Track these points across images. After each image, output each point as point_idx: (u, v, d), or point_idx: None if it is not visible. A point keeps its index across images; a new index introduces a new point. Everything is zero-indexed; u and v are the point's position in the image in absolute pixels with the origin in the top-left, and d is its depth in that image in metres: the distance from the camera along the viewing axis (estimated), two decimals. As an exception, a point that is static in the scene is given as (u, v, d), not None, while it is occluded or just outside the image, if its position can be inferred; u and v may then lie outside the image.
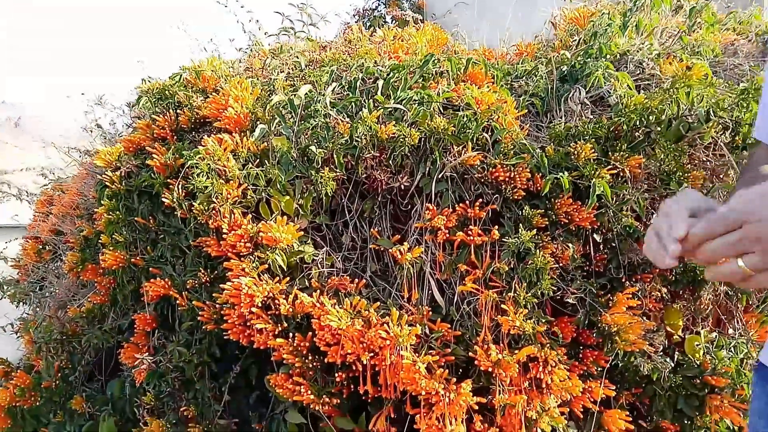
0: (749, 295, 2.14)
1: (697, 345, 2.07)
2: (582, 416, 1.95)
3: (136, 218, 2.25)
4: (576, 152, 1.96)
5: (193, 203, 2.00)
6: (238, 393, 2.34)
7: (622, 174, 1.98)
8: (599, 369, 2.04)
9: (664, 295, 2.16)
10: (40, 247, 3.61)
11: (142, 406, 2.20)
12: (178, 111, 2.50)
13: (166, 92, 2.61)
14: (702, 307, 2.03)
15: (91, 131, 4.00)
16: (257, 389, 2.30)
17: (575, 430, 1.93)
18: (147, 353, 2.37)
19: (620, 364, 2.05)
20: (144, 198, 2.31)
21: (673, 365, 1.99)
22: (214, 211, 1.98)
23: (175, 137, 2.45)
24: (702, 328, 2.11)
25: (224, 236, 1.98)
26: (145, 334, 2.43)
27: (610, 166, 1.93)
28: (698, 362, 2.00)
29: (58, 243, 3.42)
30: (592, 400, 1.92)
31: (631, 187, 1.95)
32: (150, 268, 2.22)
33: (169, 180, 2.21)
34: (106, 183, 2.31)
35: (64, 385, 2.54)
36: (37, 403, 2.56)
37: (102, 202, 2.29)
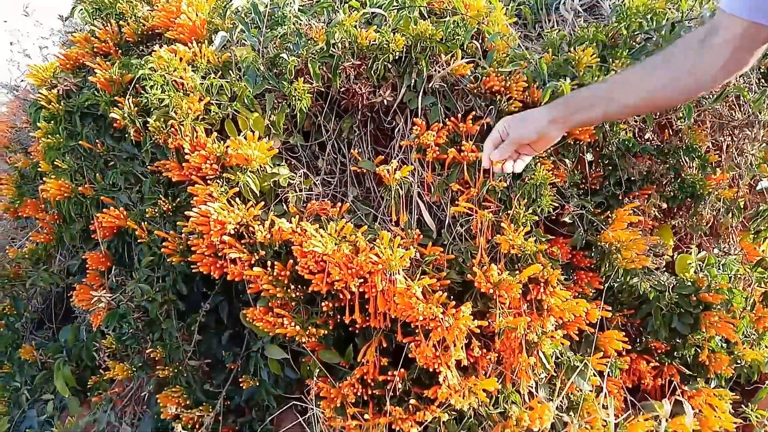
0: (741, 211, 2.09)
1: (689, 264, 2.02)
2: (577, 338, 1.88)
3: (80, 142, 1.96)
4: (576, 59, 1.79)
5: (148, 120, 1.73)
6: (209, 332, 2.16)
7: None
8: (594, 291, 1.96)
9: (657, 214, 2.09)
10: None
11: (102, 350, 1.99)
12: (121, 23, 2.17)
13: (105, 1, 2.26)
14: (701, 222, 1.96)
15: (18, 63, 3.55)
16: (229, 327, 2.12)
17: (571, 352, 1.85)
18: (104, 293, 2.14)
19: (615, 286, 1.97)
20: (88, 120, 2.02)
21: (669, 284, 1.93)
22: (173, 129, 1.73)
23: (120, 52, 2.14)
24: (695, 246, 2.06)
25: (186, 157, 1.73)
26: (99, 274, 2.19)
27: (613, 72, 1.78)
28: (692, 281, 1.94)
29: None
30: (587, 322, 1.84)
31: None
32: (101, 198, 1.95)
33: (116, 99, 1.92)
34: (42, 103, 2.00)
35: (10, 334, 2.29)
36: (-20, 354, 2.31)
37: (38, 124, 1.98)
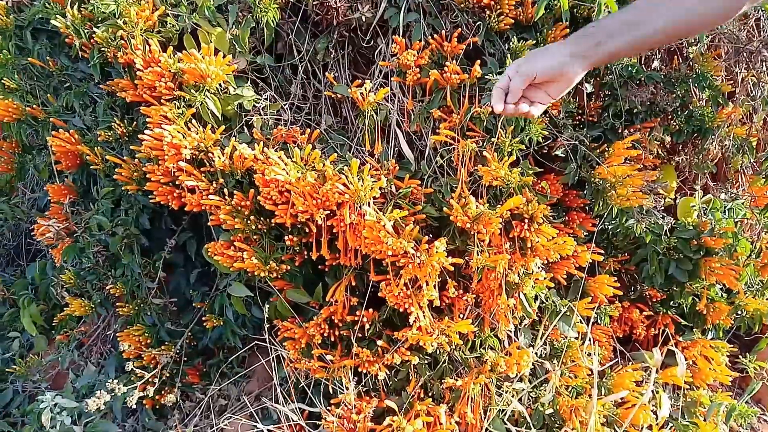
0: (753, 151, 1.91)
1: (692, 207, 1.86)
2: (565, 284, 1.74)
3: (30, 60, 1.79)
4: (577, -31, 1.59)
5: (96, 31, 1.56)
6: (177, 271, 2.04)
7: (629, -2, 1.63)
8: (586, 234, 1.81)
9: (660, 152, 1.91)
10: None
11: (59, 285, 1.88)
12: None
13: None
14: (708, 160, 1.79)
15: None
16: (198, 266, 2.01)
17: (557, 298, 1.72)
18: (66, 232, 2.02)
19: (609, 228, 1.83)
20: (41, 37, 1.84)
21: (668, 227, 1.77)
22: (123, 42, 1.56)
23: (77, -39, 1.94)
24: (699, 188, 1.89)
25: (139, 74, 1.57)
26: (62, 208, 2.06)
27: (618, -15, 1.57)
28: (694, 224, 1.78)
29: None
30: (577, 266, 1.70)
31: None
32: (52, 120, 1.80)
33: (67, 9, 1.73)
34: (-11, 16, 1.82)
35: (-27, 269, 2.19)
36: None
37: (-16, 40, 1.81)
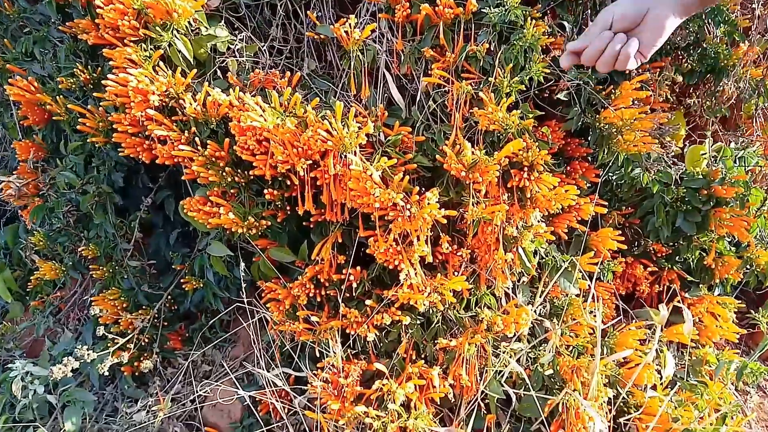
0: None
1: (702, 155, 1.74)
2: (566, 238, 1.64)
3: (-17, 1, 1.64)
4: None
5: (48, -37, 1.40)
6: (156, 232, 1.92)
7: None
8: (589, 185, 1.70)
9: (669, 96, 1.78)
10: None
11: (29, 248, 1.76)
12: None
13: None
14: (721, 103, 1.66)
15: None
16: (177, 226, 1.89)
17: (558, 253, 1.61)
18: (34, 191, 1.89)
19: (613, 178, 1.71)
20: (-6, -24, 1.68)
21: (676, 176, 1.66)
22: (79, -25, 1.40)
23: None
24: (710, 134, 1.77)
25: (100, 13, 1.42)
26: (32, 166, 1.93)
27: None
28: (703, 173, 1.67)
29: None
30: (579, 219, 1.59)
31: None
32: (8, 67, 1.65)
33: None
34: (-65, -46, 1.65)
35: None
36: None
37: (-68, -20, 1.65)
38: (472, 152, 1.32)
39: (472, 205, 1.37)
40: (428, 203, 1.30)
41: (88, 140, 1.57)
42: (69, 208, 1.73)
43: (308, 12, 1.64)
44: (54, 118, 1.62)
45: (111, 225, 1.74)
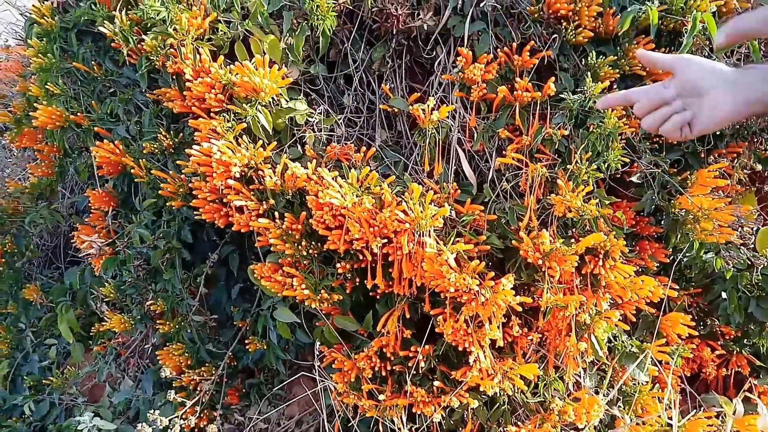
0: None
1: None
2: (634, 319, 1.60)
3: (75, 64, 1.72)
4: (667, -22, 1.43)
5: (144, 38, 1.47)
6: (218, 286, 1.96)
7: (723, 10, 1.47)
8: (657, 265, 1.67)
9: (742, 178, 1.75)
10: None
11: (99, 299, 1.81)
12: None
13: None
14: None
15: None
16: (240, 281, 1.92)
17: (625, 335, 1.58)
18: (105, 239, 1.96)
19: (683, 260, 1.67)
20: (86, 39, 1.77)
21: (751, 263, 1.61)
22: (172, 50, 1.47)
23: (124, -40, 1.86)
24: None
25: (188, 85, 1.48)
26: (102, 214, 2.00)
27: (715, -2, 1.42)
28: (779, 258, 1.62)
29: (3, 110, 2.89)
30: (648, 301, 1.56)
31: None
32: (96, 128, 1.73)
33: (114, 13, 1.66)
34: (35, 17, 1.75)
35: (12, 273, 2.14)
36: (-20, 293, 2.19)
37: (30, 42, 1.75)
38: (551, 241, 1.31)
39: (546, 291, 1.36)
40: (503, 289, 1.30)
41: (168, 204, 1.61)
42: (140, 262, 1.78)
43: (382, 85, 1.68)
44: (136, 180, 1.68)
45: (179, 280, 1.78)
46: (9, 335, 2.18)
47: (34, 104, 1.78)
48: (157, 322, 1.79)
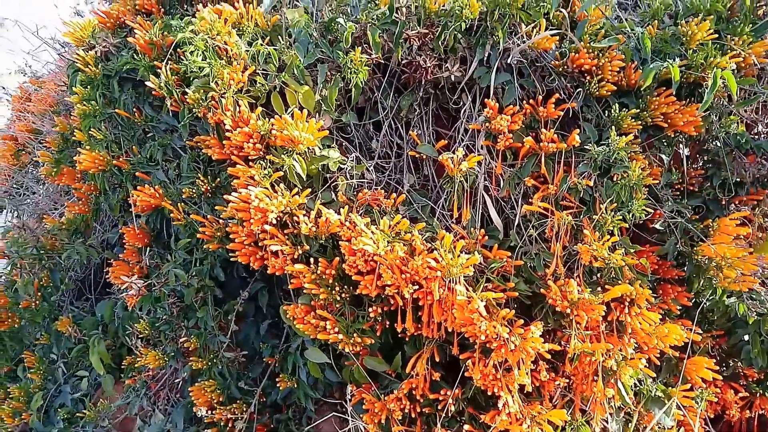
0: None
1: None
2: (658, 362, 1.63)
3: (117, 110, 1.80)
4: (687, 33, 1.49)
5: (187, 91, 1.55)
6: (247, 321, 2.02)
7: (742, 65, 1.53)
8: (680, 308, 1.70)
9: (763, 224, 1.78)
10: (18, 149, 3.18)
11: (134, 335, 1.87)
12: (166, -22, 1.98)
13: (151, -46, 2.06)
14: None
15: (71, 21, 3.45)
16: (268, 317, 1.97)
17: (651, 380, 1.61)
18: (138, 274, 2.02)
19: (706, 304, 1.70)
20: (127, 86, 1.86)
21: None
22: (213, 102, 1.54)
23: (163, 10, 1.95)
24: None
25: (227, 135, 1.55)
26: (136, 250, 2.07)
27: (734, 53, 1.47)
28: (801, 303, 1.64)
29: (37, 144, 2.99)
30: (671, 345, 1.59)
31: (763, 81, 1.50)
32: (137, 173, 1.80)
33: (156, 63, 1.74)
34: (79, 65, 1.84)
35: (46, 306, 2.21)
36: (17, 325, 2.25)
37: (74, 89, 1.84)
38: (578, 290, 1.35)
39: (574, 337, 1.39)
40: (532, 336, 1.34)
41: (205, 246, 1.68)
42: (173, 300, 1.84)
43: (410, 131, 1.74)
44: (174, 223, 1.74)
45: (211, 318, 1.84)
46: (42, 366, 2.24)
47: (78, 149, 1.86)
48: (190, 358, 1.84)
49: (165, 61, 1.59)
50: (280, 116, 1.55)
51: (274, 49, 1.58)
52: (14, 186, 3.17)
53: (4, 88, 3.98)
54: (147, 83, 1.59)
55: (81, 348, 2.30)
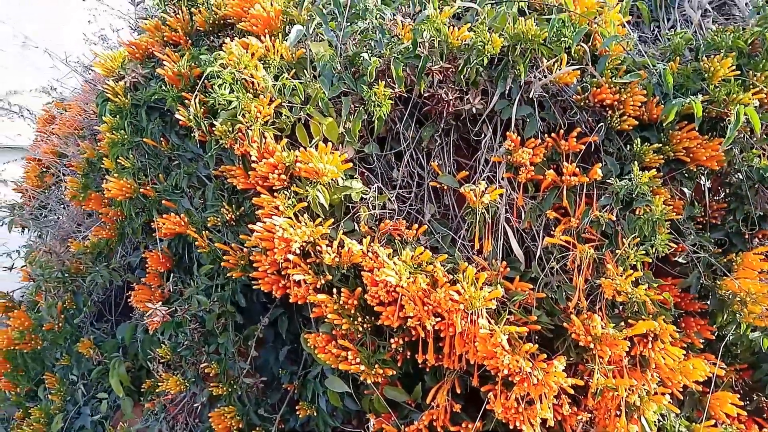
0: None
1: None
2: (681, 396, 1.62)
3: (144, 139, 1.85)
4: (709, 70, 1.50)
5: (214, 122, 1.59)
6: (266, 347, 2.03)
7: (765, 101, 1.53)
8: (702, 340, 1.68)
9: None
10: (42, 170, 3.26)
11: (156, 360, 1.89)
12: (192, 10, 2.04)
13: (178, -13, 2.13)
14: None
15: (95, 44, 3.55)
16: (287, 343, 1.99)
17: (674, 416, 1.59)
18: (160, 299, 2.05)
19: (730, 338, 1.69)
20: (154, 115, 1.91)
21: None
22: (240, 134, 1.58)
23: (190, 42, 2.01)
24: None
25: (253, 165, 1.58)
26: (158, 275, 2.10)
27: (756, 89, 1.48)
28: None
29: (61, 166, 3.06)
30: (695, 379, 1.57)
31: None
32: (163, 200, 1.84)
33: (184, 94, 1.79)
34: (108, 95, 1.90)
35: (69, 328, 2.25)
36: (39, 347, 2.28)
37: (104, 118, 1.89)
38: (602, 326, 1.35)
39: (597, 372, 1.39)
40: (555, 370, 1.34)
41: (229, 275, 1.70)
42: (195, 326, 1.86)
43: (431, 162, 1.76)
44: (199, 251, 1.77)
45: (231, 343, 1.85)
46: (63, 387, 2.26)
47: (106, 175, 1.90)
48: (210, 384, 1.85)
49: (194, 94, 1.63)
50: (305, 148, 1.58)
51: (300, 82, 1.61)
52: (38, 207, 3.24)
53: (29, 110, 4.09)
54: (176, 115, 1.63)
55: (101, 370, 2.32)
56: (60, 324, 2.23)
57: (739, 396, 1.69)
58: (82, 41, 3.63)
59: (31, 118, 4.05)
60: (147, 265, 2.09)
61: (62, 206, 3.11)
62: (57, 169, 3.15)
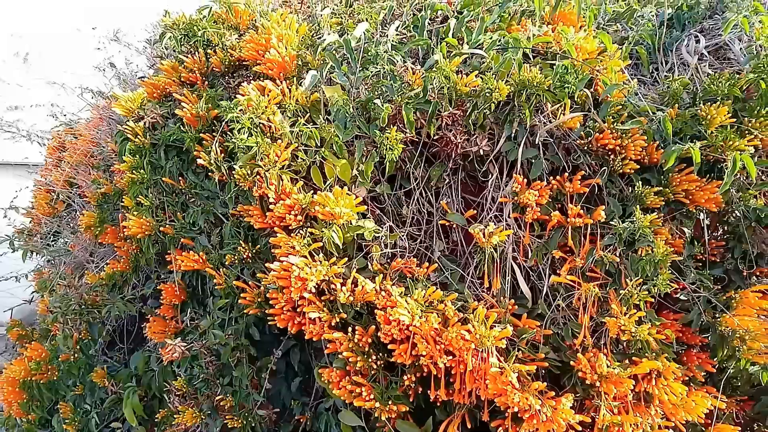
0: None
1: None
2: (684, 430, 1.67)
3: (163, 178, 1.92)
4: (707, 116, 1.58)
5: (233, 165, 1.66)
6: (278, 378, 2.08)
7: (760, 146, 1.61)
8: (705, 375, 1.74)
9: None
10: (53, 197, 3.31)
11: (172, 393, 1.94)
12: (208, 51, 2.12)
13: (194, 28, 2.21)
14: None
15: (104, 70, 3.64)
16: (299, 374, 2.04)
17: (676, 445, 1.64)
18: (174, 330, 2.11)
19: (731, 371, 1.74)
20: (172, 153, 1.98)
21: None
22: (258, 177, 1.65)
23: (206, 82, 2.09)
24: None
25: (270, 206, 1.65)
26: (173, 306, 2.16)
27: (752, 136, 1.55)
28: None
29: (72, 195, 3.12)
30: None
31: (780, 163, 1.58)
32: (181, 238, 1.90)
33: (201, 134, 1.86)
34: (129, 135, 1.97)
35: (84, 358, 2.29)
36: (55, 377, 2.32)
37: (124, 158, 1.95)
38: (607, 365, 1.41)
39: (603, 408, 1.44)
40: (563, 407, 1.40)
41: (244, 311, 1.76)
42: (210, 358, 1.91)
43: (440, 201, 1.83)
44: (216, 287, 1.83)
45: (246, 376, 1.90)
46: (76, 417, 2.30)
47: (125, 212, 1.96)
48: (225, 416, 1.90)
49: (213, 136, 1.71)
50: (320, 189, 1.65)
51: (315, 127, 1.68)
52: (48, 233, 3.30)
53: (38, 135, 4.16)
54: (198, 159, 1.70)
55: (114, 399, 2.36)
56: (76, 355, 2.27)
57: (740, 429, 1.75)
58: (93, 69, 3.72)
59: (38, 141, 4.12)
60: (162, 297, 2.15)
61: (73, 234, 3.16)
62: (68, 196, 3.21)
